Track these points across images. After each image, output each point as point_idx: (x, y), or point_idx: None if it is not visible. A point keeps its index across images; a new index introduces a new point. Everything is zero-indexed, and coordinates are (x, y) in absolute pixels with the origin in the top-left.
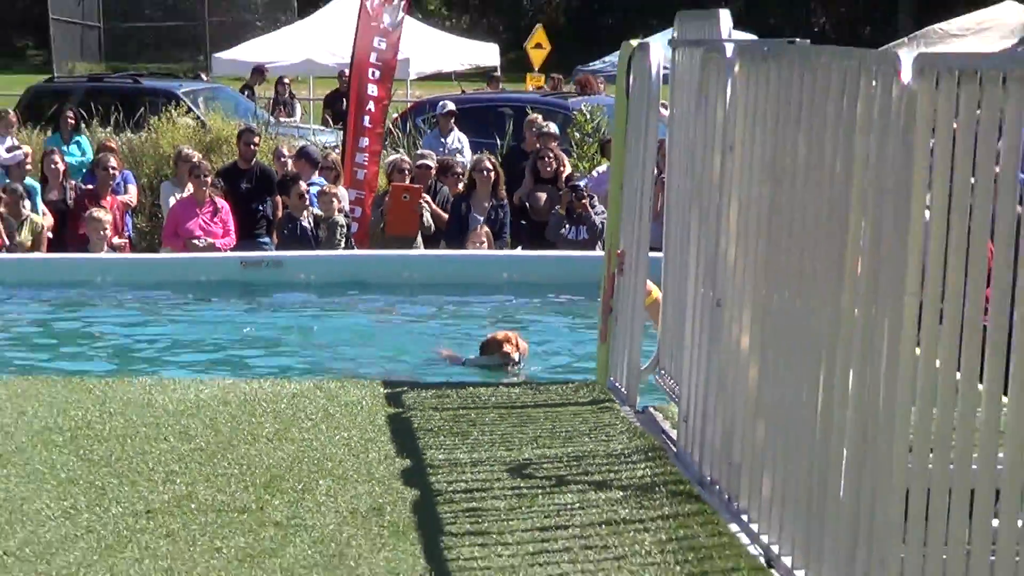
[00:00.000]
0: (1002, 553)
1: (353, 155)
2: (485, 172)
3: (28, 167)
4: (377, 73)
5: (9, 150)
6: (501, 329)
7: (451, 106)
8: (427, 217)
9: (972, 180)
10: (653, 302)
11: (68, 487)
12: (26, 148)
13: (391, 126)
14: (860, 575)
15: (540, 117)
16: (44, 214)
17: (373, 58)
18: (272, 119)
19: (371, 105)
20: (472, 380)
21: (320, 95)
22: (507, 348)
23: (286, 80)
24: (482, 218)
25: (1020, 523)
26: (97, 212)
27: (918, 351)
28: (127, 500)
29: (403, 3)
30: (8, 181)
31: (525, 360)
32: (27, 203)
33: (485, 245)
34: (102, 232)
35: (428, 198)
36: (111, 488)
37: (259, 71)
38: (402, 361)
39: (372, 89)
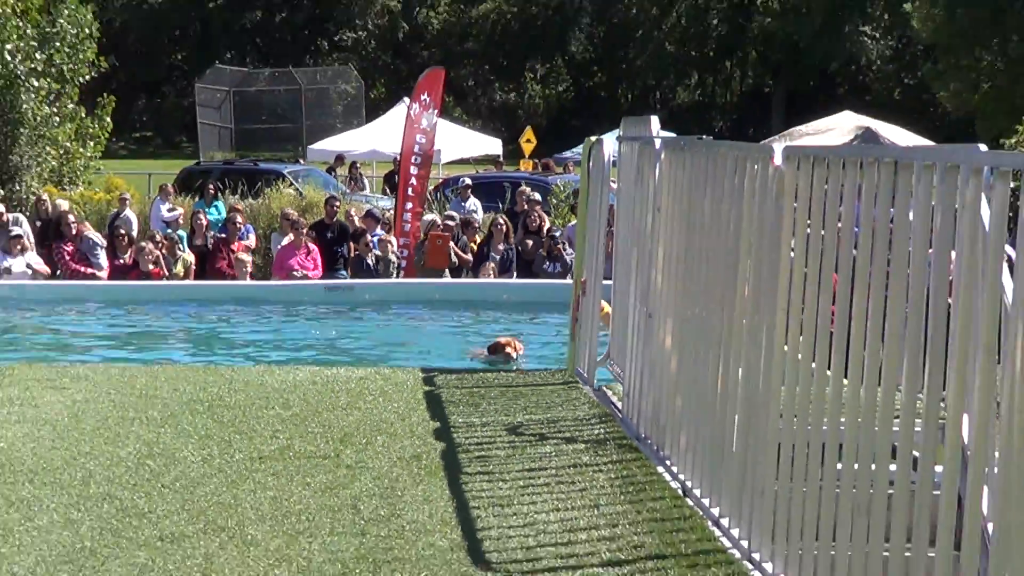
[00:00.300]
0: (843, 488)
1: (401, 215)
2: (499, 226)
3: (180, 222)
4: (419, 159)
5: (169, 211)
6: (504, 335)
7: (468, 181)
8: (453, 256)
9: (822, 232)
10: (605, 314)
11: (205, 440)
12: (180, 210)
13: (429, 195)
14: (747, 501)
15: (529, 189)
16: (189, 254)
17: (416, 149)
18: (347, 191)
19: (414, 181)
20: (482, 368)
21: (380, 174)
22: (508, 349)
23: (357, 164)
24: (498, 257)
25: (856, 466)
26: (243, 255)
27: (786, 348)
28: (246, 450)
29: (436, 112)
30: (169, 231)
31: (521, 357)
32: (180, 247)
33: (492, 276)
34: (244, 268)
35: (453, 244)
36: (235, 441)
37: (339, 158)
38: (434, 355)
39: (414, 170)
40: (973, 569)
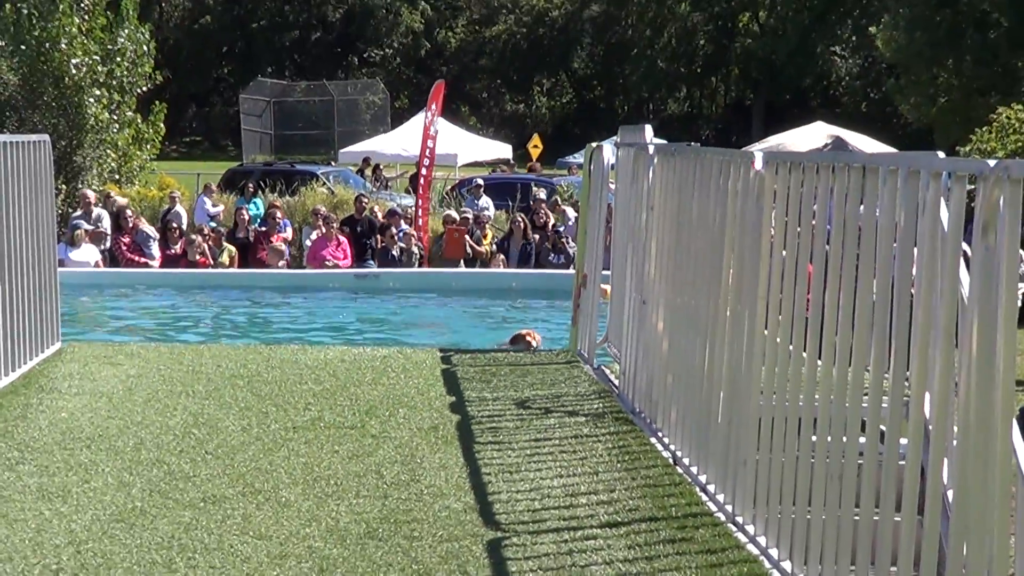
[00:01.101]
0: (818, 458)
1: (418, 211)
2: (518, 223)
3: (220, 217)
4: (427, 161)
5: (213, 207)
6: (524, 328)
7: (480, 181)
8: (468, 248)
9: (798, 229)
10: (604, 291)
11: (245, 412)
12: (221, 207)
13: (446, 193)
14: (731, 470)
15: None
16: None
17: (427, 153)
18: (373, 189)
19: (422, 181)
20: (493, 349)
21: (403, 175)
22: (528, 339)
23: (380, 166)
24: (517, 251)
25: (829, 439)
26: (279, 246)
27: (766, 332)
28: (281, 420)
29: (438, 118)
30: (214, 225)
31: (539, 347)
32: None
33: (502, 266)
34: (279, 259)
35: (468, 238)
36: (271, 413)
37: (366, 160)
38: (451, 335)
39: (423, 171)
40: (935, 532)
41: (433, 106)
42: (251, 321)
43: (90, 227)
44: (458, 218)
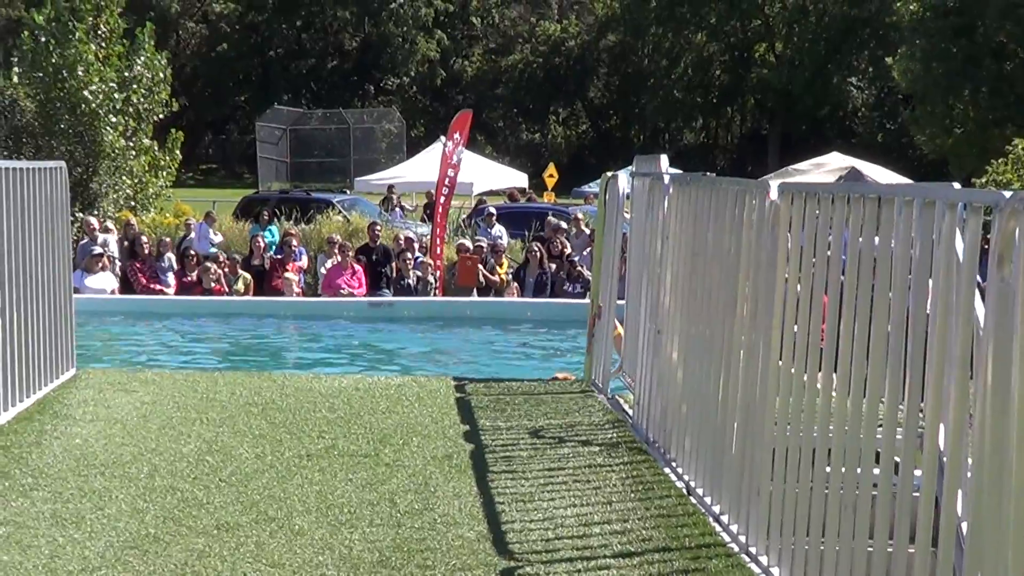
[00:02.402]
0: (832, 489)
1: (435, 239)
2: (534, 253)
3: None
4: (446, 190)
5: (215, 233)
6: (562, 372)
7: (492, 210)
8: (481, 277)
9: (813, 259)
10: (617, 335)
11: (259, 439)
12: (220, 237)
13: (461, 222)
14: (744, 499)
15: (554, 219)
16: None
17: (446, 181)
18: (388, 217)
19: (440, 209)
20: (508, 377)
21: (419, 203)
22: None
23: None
24: (533, 280)
25: (843, 470)
26: (291, 275)
27: (780, 362)
28: (295, 448)
29: (463, 148)
30: (213, 251)
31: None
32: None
33: (516, 295)
34: (292, 287)
35: (481, 267)
36: (285, 440)
37: (390, 188)
38: (465, 364)
39: (442, 200)
40: (949, 564)
41: (456, 135)
42: (265, 349)
43: (99, 250)
44: (471, 247)
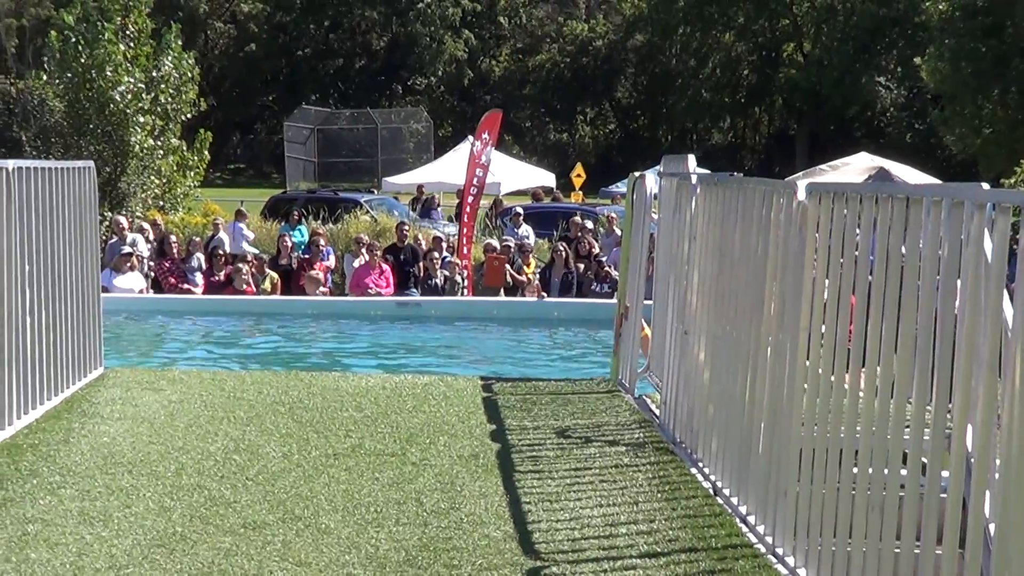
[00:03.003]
0: (859, 490)
1: (462, 239)
2: (560, 253)
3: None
4: (475, 190)
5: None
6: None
7: (519, 210)
8: (508, 277)
9: (841, 259)
10: (644, 337)
11: (286, 439)
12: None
13: (487, 221)
14: (771, 500)
15: (581, 218)
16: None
17: (475, 181)
18: (416, 217)
19: (468, 209)
20: (535, 376)
21: (446, 203)
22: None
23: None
24: (559, 280)
25: (871, 470)
26: (315, 274)
27: (807, 362)
28: (322, 447)
29: (492, 147)
30: (257, 251)
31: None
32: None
33: (536, 295)
34: (316, 287)
35: (509, 266)
36: (312, 440)
37: (420, 188)
38: (492, 363)
39: (470, 199)
40: (976, 566)
41: (485, 135)
42: (292, 348)
43: (128, 250)
44: (499, 246)
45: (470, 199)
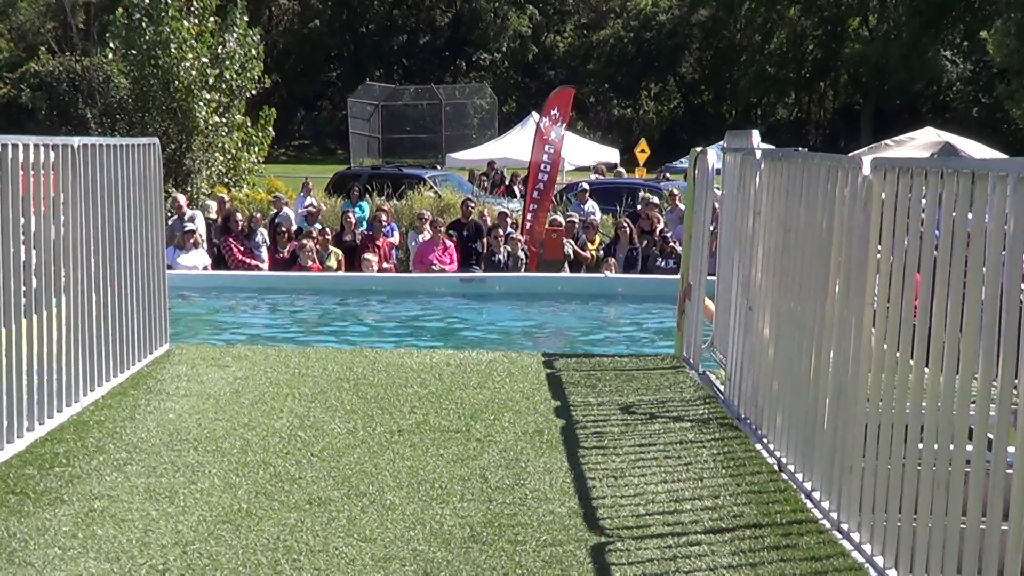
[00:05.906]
0: (924, 466)
1: (526, 215)
2: (624, 228)
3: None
4: (547, 167)
5: (307, 207)
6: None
7: (585, 186)
8: (567, 249)
9: (906, 235)
10: (708, 310)
11: (351, 415)
12: (319, 204)
13: (554, 198)
14: (836, 476)
15: (648, 194)
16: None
17: (544, 158)
18: (481, 193)
19: (541, 186)
20: (599, 352)
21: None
22: None
23: (495, 169)
24: (623, 256)
25: (936, 447)
26: (370, 256)
27: (872, 339)
28: (386, 423)
29: (564, 125)
30: (319, 226)
31: None
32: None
33: (612, 271)
34: (371, 267)
35: (572, 242)
36: (376, 416)
37: (491, 164)
38: (556, 338)
39: (543, 176)
40: None
41: (555, 111)
42: (357, 324)
43: (192, 227)
44: (563, 221)
45: (543, 176)
